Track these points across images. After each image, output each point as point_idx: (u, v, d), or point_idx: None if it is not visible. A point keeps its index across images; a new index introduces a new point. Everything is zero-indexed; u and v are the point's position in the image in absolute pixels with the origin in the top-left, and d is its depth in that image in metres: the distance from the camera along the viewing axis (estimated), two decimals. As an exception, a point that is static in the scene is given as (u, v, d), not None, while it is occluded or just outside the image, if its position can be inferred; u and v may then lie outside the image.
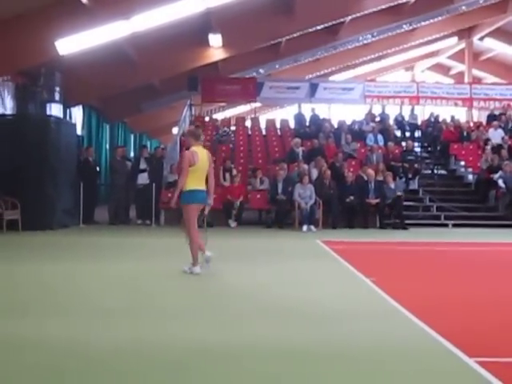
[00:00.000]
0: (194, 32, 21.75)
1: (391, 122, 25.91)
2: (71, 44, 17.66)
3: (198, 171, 9.49)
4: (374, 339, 5.86)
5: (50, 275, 9.65)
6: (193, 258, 9.58)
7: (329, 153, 21.44)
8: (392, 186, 18.72)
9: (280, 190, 18.53)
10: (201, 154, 9.58)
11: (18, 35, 16.57)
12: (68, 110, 22.55)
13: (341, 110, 29.11)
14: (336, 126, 24.81)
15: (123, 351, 5.38)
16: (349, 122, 25.21)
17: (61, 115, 19.96)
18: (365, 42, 28.83)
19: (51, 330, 6.11)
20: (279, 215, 18.31)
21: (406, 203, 19.27)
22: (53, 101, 18.53)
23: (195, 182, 9.49)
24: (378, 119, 26.14)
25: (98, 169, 20.23)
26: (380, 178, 19.14)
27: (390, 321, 6.66)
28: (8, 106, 18.54)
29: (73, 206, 17.91)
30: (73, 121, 22.18)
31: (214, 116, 32.04)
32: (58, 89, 18.33)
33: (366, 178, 19.05)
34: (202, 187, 9.61)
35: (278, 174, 18.95)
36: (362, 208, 18.52)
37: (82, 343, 5.61)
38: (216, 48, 23.09)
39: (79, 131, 23.39)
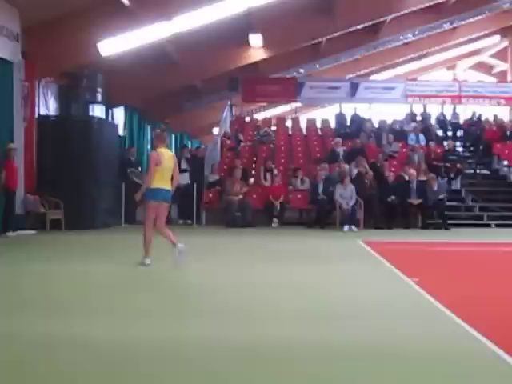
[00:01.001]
0: (235, 32, 21.77)
1: (433, 121, 25.71)
2: (113, 45, 17.81)
3: (162, 171, 10.19)
4: (417, 339, 5.81)
5: (93, 275, 9.73)
6: (145, 250, 10.31)
7: (370, 153, 21.35)
8: (435, 188, 18.57)
9: (321, 190, 18.50)
10: (166, 155, 10.29)
11: (61, 37, 16.74)
12: (110, 111, 22.71)
13: (382, 110, 28.93)
14: (377, 125, 24.68)
15: (164, 350, 5.41)
16: (390, 122, 25.07)
17: (103, 116, 20.15)
18: (406, 41, 28.59)
19: (97, 329, 6.17)
20: (320, 215, 18.28)
21: (448, 203, 19.12)
22: (95, 102, 18.72)
23: (159, 181, 10.16)
24: (419, 119, 25.96)
25: (139, 169, 20.34)
26: (422, 178, 19.02)
27: (432, 321, 6.60)
28: (51, 107, 18.73)
29: (115, 206, 18.06)
30: (115, 121, 22.33)
31: (255, 116, 32.06)
32: (100, 90, 18.49)
33: (407, 177, 18.93)
34: (166, 186, 10.28)
35: (319, 174, 18.92)
36: (403, 208, 18.41)
37: (124, 342, 5.66)
38: (256, 48, 23.10)
39: (121, 132, 23.53)
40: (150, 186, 10.14)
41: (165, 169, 10.22)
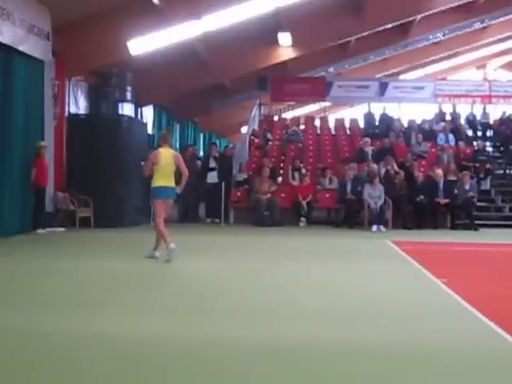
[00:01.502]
0: (264, 31, 21.76)
1: (462, 121, 25.54)
2: (143, 44, 17.87)
3: (161, 169, 10.73)
4: (445, 339, 5.80)
5: (121, 272, 9.80)
6: (156, 243, 10.91)
7: (399, 152, 21.26)
8: (467, 186, 18.46)
9: (349, 190, 18.47)
10: (163, 154, 10.82)
11: (91, 36, 16.84)
12: (139, 110, 22.83)
13: (411, 109, 28.79)
14: (406, 125, 24.58)
15: (204, 347, 5.43)
16: (419, 122, 24.95)
17: (132, 114, 20.25)
18: (435, 40, 28.41)
19: (126, 326, 6.22)
20: (348, 215, 18.24)
21: (477, 204, 18.98)
22: (124, 100, 18.81)
23: (160, 179, 10.73)
24: (448, 118, 25.81)
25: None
26: (452, 177, 18.92)
27: (461, 321, 6.58)
28: (81, 106, 18.87)
29: (143, 204, 18.14)
30: (144, 120, 22.45)
31: (283, 115, 32.04)
32: (129, 88, 18.59)
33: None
34: (168, 184, 10.76)
35: (347, 173, 18.88)
36: (432, 208, 18.31)
37: (149, 341, 5.70)
38: (285, 47, 23.07)
39: (150, 130, 23.66)
40: (153, 185, 10.77)
41: (163, 167, 10.74)
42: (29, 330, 5.92)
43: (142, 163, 11.51)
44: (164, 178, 10.74)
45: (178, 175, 11.09)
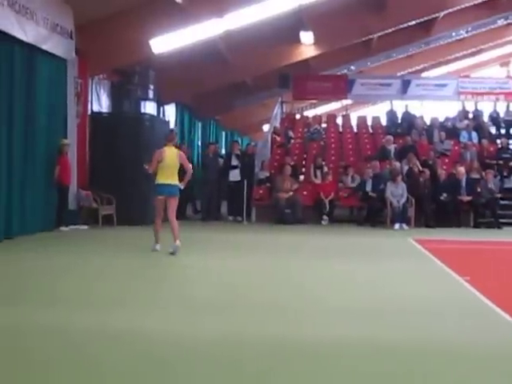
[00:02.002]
0: (286, 29, 21.73)
1: (485, 118, 25.38)
2: (165, 43, 17.91)
3: (164, 167, 11.30)
4: (468, 338, 5.79)
5: (141, 268, 9.85)
6: (155, 237, 11.62)
7: (421, 150, 21.18)
8: (491, 184, 18.35)
9: (369, 188, 18.42)
10: (168, 153, 11.37)
11: (114, 34, 16.90)
12: (161, 108, 22.87)
13: (433, 107, 28.64)
14: (428, 122, 24.47)
15: (226, 342, 5.45)
16: (441, 119, 24.82)
17: (154, 113, 20.30)
18: (458, 37, 28.25)
19: (148, 321, 6.24)
20: (371, 213, 18.19)
21: (500, 202, 18.86)
22: (147, 99, 18.88)
23: (162, 177, 11.32)
24: (471, 116, 25.65)
25: (190, 165, 20.43)
26: (475, 175, 18.82)
27: (484, 319, 6.56)
28: (104, 104, 18.96)
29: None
30: (166, 118, 22.50)
31: (305, 113, 31.99)
32: (151, 87, 18.66)
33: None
34: (169, 181, 11.30)
35: (366, 171, 18.85)
36: (454, 206, 18.22)
37: (177, 335, 5.72)
38: (307, 45, 23.03)
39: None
40: (156, 182, 11.41)
41: (166, 166, 11.29)
42: (48, 326, 5.97)
43: (145, 166, 11.75)
44: (166, 176, 11.31)
45: (183, 172, 11.61)
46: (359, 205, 18.69)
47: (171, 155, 11.40)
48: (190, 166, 11.98)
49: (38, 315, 6.44)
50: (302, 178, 20.48)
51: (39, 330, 5.84)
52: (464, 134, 23.00)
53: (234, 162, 19.50)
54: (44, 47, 14.36)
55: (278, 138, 23.50)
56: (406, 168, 19.42)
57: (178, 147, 12.63)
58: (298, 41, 22.66)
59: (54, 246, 12.59)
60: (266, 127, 28.92)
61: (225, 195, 20.08)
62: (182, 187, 11.63)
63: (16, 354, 5.11)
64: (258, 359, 5.05)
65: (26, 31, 13.36)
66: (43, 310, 6.72)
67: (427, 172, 18.68)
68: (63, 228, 14.95)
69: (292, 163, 19.89)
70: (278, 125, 25.31)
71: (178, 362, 4.96)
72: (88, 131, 17.33)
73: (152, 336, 5.68)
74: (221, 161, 20.36)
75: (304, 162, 21.81)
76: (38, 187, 14.37)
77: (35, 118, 14.25)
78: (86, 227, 15.76)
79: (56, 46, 14.88)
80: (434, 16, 24.08)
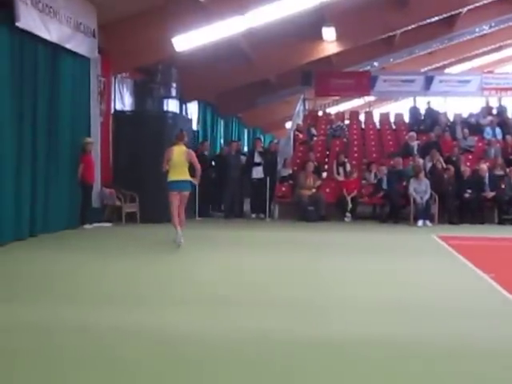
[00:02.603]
0: (308, 26, 21.70)
1: (509, 114, 25.19)
2: (187, 41, 17.94)
3: (174, 165, 11.96)
4: (494, 335, 5.75)
5: (167, 266, 9.88)
6: (174, 227, 12.04)
7: (444, 147, 21.08)
8: (515, 181, 18.27)
9: (385, 185, 18.33)
10: (176, 151, 12.03)
11: (137, 33, 16.95)
12: (184, 106, 22.92)
13: (456, 103, 28.52)
14: (452, 119, 24.34)
15: (242, 340, 5.45)
16: (465, 115, 24.69)
17: (177, 111, 20.34)
18: (481, 33, 28.05)
19: (169, 318, 6.27)
20: (392, 210, 18.11)
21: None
22: (169, 97, 18.94)
23: (173, 174, 11.97)
24: (494, 112, 25.48)
25: (213, 163, 20.52)
26: (499, 172, 18.69)
27: (510, 317, 6.52)
28: (127, 102, 19.04)
29: (189, 199, 18.21)
30: (189, 116, 22.56)
31: (328, 110, 31.95)
32: (174, 85, 18.72)
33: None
34: (180, 177, 11.93)
35: (380, 169, 18.78)
36: (478, 203, 18.11)
37: (198, 331, 5.74)
38: (330, 42, 22.99)
39: (195, 126, 23.76)
40: (167, 180, 12.03)
41: (175, 163, 11.95)
42: (72, 323, 6.01)
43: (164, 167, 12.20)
44: (177, 173, 11.96)
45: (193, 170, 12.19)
46: (381, 202, 18.60)
47: (179, 153, 12.04)
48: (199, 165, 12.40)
49: (62, 312, 6.48)
50: (324, 175, 20.44)
51: (64, 327, 5.88)
52: (488, 130, 22.85)
53: (257, 159, 19.49)
54: (67, 46, 14.43)
55: (301, 135, 23.48)
56: (429, 165, 19.33)
57: (187, 145, 12.76)
58: (320, 38, 22.63)
59: (78, 243, 12.66)
60: (288, 124, 28.88)
61: (247, 192, 20.10)
62: (196, 183, 12.42)
63: (42, 350, 5.15)
64: (283, 357, 5.05)
65: (50, 30, 13.43)
66: (67, 307, 6.75)
67: (452, 169, 18.57)
68: (87, 226, 15.03)
69: (314, 160, 19.84)
70: (300, 122, 25.30)
71: (203, 359, 4.97)
72: (111, 129, 17.42)
73: (175, 333, 5.70)
74: (243, 158, 20.37)
75: (327, 159, 21.78)
76: (62, 185, 14.44)
77: (59, 117, 14.32)
78: (109, 225, 15.84)
79: (79, 44, 14.96)
80: (456, 12, 23.94)
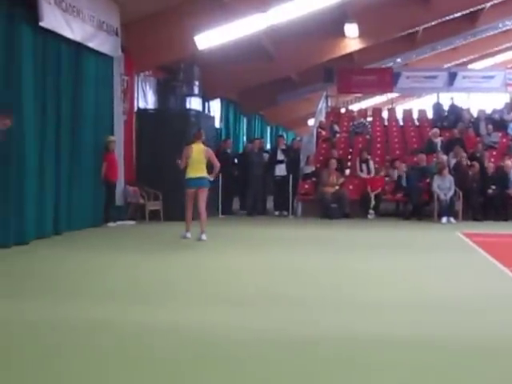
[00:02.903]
0: (330, 23, 21.67)
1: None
2: (209, 38, 17.96)
3: (193, 162, 12.45)
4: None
5: (192, 264, 9.91)
6: (186, 225, 12.77)
7: (468, 143, 20.95)
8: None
9: (404, 183, 18.24)
10: (195, 149, 12.53)
11: (159, 31, 17.00)
12: (207, 104, 22.97)
13: (480, 99, 28.34)
14: (475, 115, 24.19)
15: (267, 340, 5.46)
16: (488, 111, 24.52)
17: (200, 108, 20.38)
18: (505, 28, 27.81)
19: (200, 316, 6.29)
20: (415, 207, 18.03)
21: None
22: (192, 94, 18.98)
23: (191, 171, 12.44)
24: (519, 108, 25.28)
25: (235, 161, 20.54)
26: (524, 168, 18.59)
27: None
28: (150, 101, 19.10)
29: (212, 197, 18.26)
30: (211, 114, 22.59)
31: (350, 107, 31.87)
32: (197, 83, 18.75)
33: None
34: (198, 175, 12.42)
35: (399, 166, 18.69)
36: (502, 200, 17.98)
37: (224, 328, 5.75)
38: (352, 38, 22.94)
39: (217, 124, 23.79)
40: (186, 177, 12.54)
41: (194, 161, 12.44)
42: (96, 320, 6.04)
43: (178, 161, 12.69)
44: (194, 170, 12.46)
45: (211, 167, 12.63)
46: (403, 199, 18.51)
47: (198, 151, 12.54)
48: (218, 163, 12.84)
49: (90, 309, 6.51)
50: (347, 172, 20.39)
51: (90, 324, 5.91)
52: (512, 126, 22.68)
53: (280, 156, 19.48)
54: (90, 45, 14.51)
55: (324, 133, 23.43)
56: (452, 161, 19.23)
57: (205, 143, 13.17)
58: (342, 34, 22.59)
59: (102, 241, 12.73)
60: (310, 122, 28.89)
61: (270, 190, 20.10)
62: (212, 179, 12.88)
63: (72, 348, 5.18)
64: (311, 356, 5.05)
65: (73, 29, 13.51)
66: (94, 304, 6.79)
67: (477, 165, 18.44)
68: (111, 224, 15.10)
69: (337, 157, 19.80)
70: (323, 119, 25.24)
71: (233, 357, 4.98)
72: (134, 128, 17.48)
73: (205, 331, 5.71)
74: (266, 156, 20.37)
75: (350, 156, 21.72)
76: (86, 184, 14.53)
77: (82, 116, 14.40)
78: (133, 223, 15.92)
79: (102, 43, 15.03)
80: (479, 7, 23.79)
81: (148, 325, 5.89)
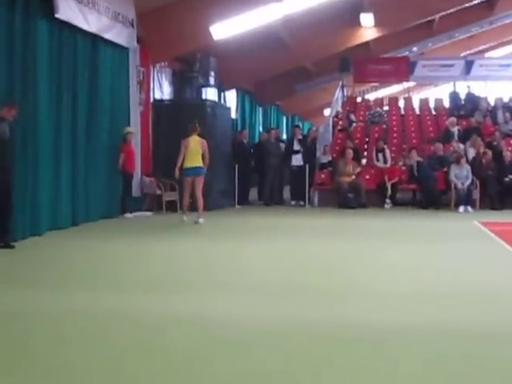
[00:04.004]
0: (346, 12, 21.61)
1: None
2: (225, 29, 17.94)
3: (190, 153, 13.91)
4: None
5: (210, 253, 9.94)
6: (183, 210, 14.30)
7: (485, 132, 20.84)
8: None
9: (416, 172, 18.15)
10: (192, 141, 14.02)
11: (174, 22, 16.98)
12: (222, 94, 22.97)
13: (498, 87, 28.15)
14: (492, 103, 24.04)
15: (290, 329, 5.47)
16: (506, 100, 24.36)
17: (216, 99, 20.38)
18: (523, 15, 27.67)
19: (218, 305, 6.31)
20: (427, 196, 17.95)
21: None
22: (208, 85, 19.01)
23: (189, 161, 13.87)
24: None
25: (251, 151, 20.54)
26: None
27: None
28: (166, 91, 19.12)
29: (228, 188, 18.31)
30: (227, 104, 22.59)
31: (367, 96, 31.75)
32: (212, 73, 18.77)
33: (524, 157, 18.40)
34: (193, 165, 13.91)
35: (411, 156, 18.59)
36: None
37: (243, 318, 5.76)
38: (368, 28, 22.85)
39: (233, 114, 23.79)
40: (183, 167, 13.90)
41: (191, 152, 13.89)
42: (113, 310, 6.07)
43: (176, 173, 14.16)
44: (192, 161, 13.87)
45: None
46: (419, 188, 18.42)
47: (195, 143, 14.02)
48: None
49: (106, 300, 6.56)
50: (364, 161, 20.34)
51: (109, 313, 5.95)
52: (530, 114, 22.52)
53: (296, 146, 19.46)
54: (106, 36, 14.53)
55: (340, 122, 23.38)
56: (470, 150, 19.12)
57: (201, 135, 14.42)
58: (358, 23, 22.50)
59: (119, 232, 12.78)
60: (326, 111, 28.80)
61: (287, 180, 20.10)
62: (205, 169, 14.18)
63: (87, 337, 5.22)
64: (327, 343, 5.06)
65: (89, 21, 13.54)
66: (110, 294, 6.84)
67: (489, 153, 18.33)
68: (127, 215, 15.15)
69: (353, 147, 19.74)
70: (339, 109, 25.19)
71: (253, 346, 5.00)
72: (151, 119, 17.51)
73: (224, 320, 5.73)
74: (282, 146, 20.36)
75: (366, 146, 21.67)
76: (103, 175, 14.58)
77: (98, 107, 14.45)
78: (150, 213, 15.96)
79: (118, 34, 15.05)
80: (497, -6, 23.64)
81: (162, 314, 5.93)
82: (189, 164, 13.89)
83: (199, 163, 13.98)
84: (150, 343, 5.03)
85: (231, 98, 24.81)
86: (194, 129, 14.24)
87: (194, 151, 13.94)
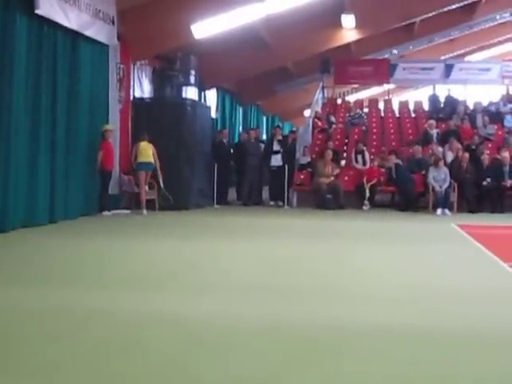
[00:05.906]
0: (327, 13, 21.66)
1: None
2: (206, 28, 17.93)
3: (142, 152, 16.06)
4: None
5: (188, 252, 9.92)
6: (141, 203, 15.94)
7: (464, 135, 20.95)
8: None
9: (393, 175, 18.22)
10: (142, 145, 16.06)
11: (155, 20, 16.94)
12: (203, 93, 22.95)
13: (477, 91, 28.32)
14: (472, 107, 24.17)
15: (267, 328, 5.47)
16: (485, 103, 24.50)
17: (196, 98, 20.35)
18: (502, 20, 27.77)
19: (198, 305, 6.29)
20: (404, 199, 18.02)
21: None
22: (188, 84, 18.95)
23: (141, 157, 16.04)
24: (515, 100, 25.27)
25: (231, 151, 20.53)
26: (520, 161, 18.57)
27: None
28: (146, 90, 19.08)
29: (207, 187, 18.29)
30: (207, 103, 22.57)
31: (347, 98, 31.84)
32: (193, 72, 18.72)
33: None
34: (146, 160, 16.03)
35: (390, 158, 18.65)
36: (498, 192, 17.98)
37: (220, 317, 5.75)
38: (348, 29, 22.91)
39: (214, 114, 23.77)
40: (137, 162, 16.01)
41: (143, 151, 16.03)
42: (93, 308, 6.04)
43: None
44: (145, 157, 15.96)
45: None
46: (397, 190, 18.50)
47: (145, 146, 16.08)
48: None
49: (86, 297, 6.52)
50: (343, 163, 20.37)
51: (88, 311, 5.92)
52: (508, 118, 22.65)
53: (276, 147, 19.45)
54: (86, 33, 14.46)
55: (320, 123, 23.40)
56: (448, 153, 19.21)
57: (150, 141, 16.15)
58: (339, 25, 22.56)
59: (96, 230, 12.73)
60: (307, 112, 28.82)
61: (266, 180, 20.11)
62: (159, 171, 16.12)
63: (67, 334, 5.19)
64: (306, 345, 5.06)
65: (69, 17, 13.47)
66: (90, 292, 6.79)
67: (466, 155, 18.42)
68: (105, 213, 15.09)
69: (333, 148, 19.77)
70: (319, 110, 25.22)
71: (227, 345, 4.99)
72: (130, 116, 17.45)
73: (203, 319, 5.71)
74: (262, 146, 20.37)
75: (345, 147, 21.72)
76: (81, 172, 14.51)
77: (77, 104, 14.37)
78: (128, 212, 15.90)
79: (98, 31, 14.99)
80: (476, -1, 23.78)
81: (141, 312, 5.90)
82: (143, 159, 15.94)
83: (151, 159, 16.03)
84: (128, 341, 5.00)
85: (211, 97, 24.80)
86: (144, 136, 16.21)
87: (146, 151, 16.05)
